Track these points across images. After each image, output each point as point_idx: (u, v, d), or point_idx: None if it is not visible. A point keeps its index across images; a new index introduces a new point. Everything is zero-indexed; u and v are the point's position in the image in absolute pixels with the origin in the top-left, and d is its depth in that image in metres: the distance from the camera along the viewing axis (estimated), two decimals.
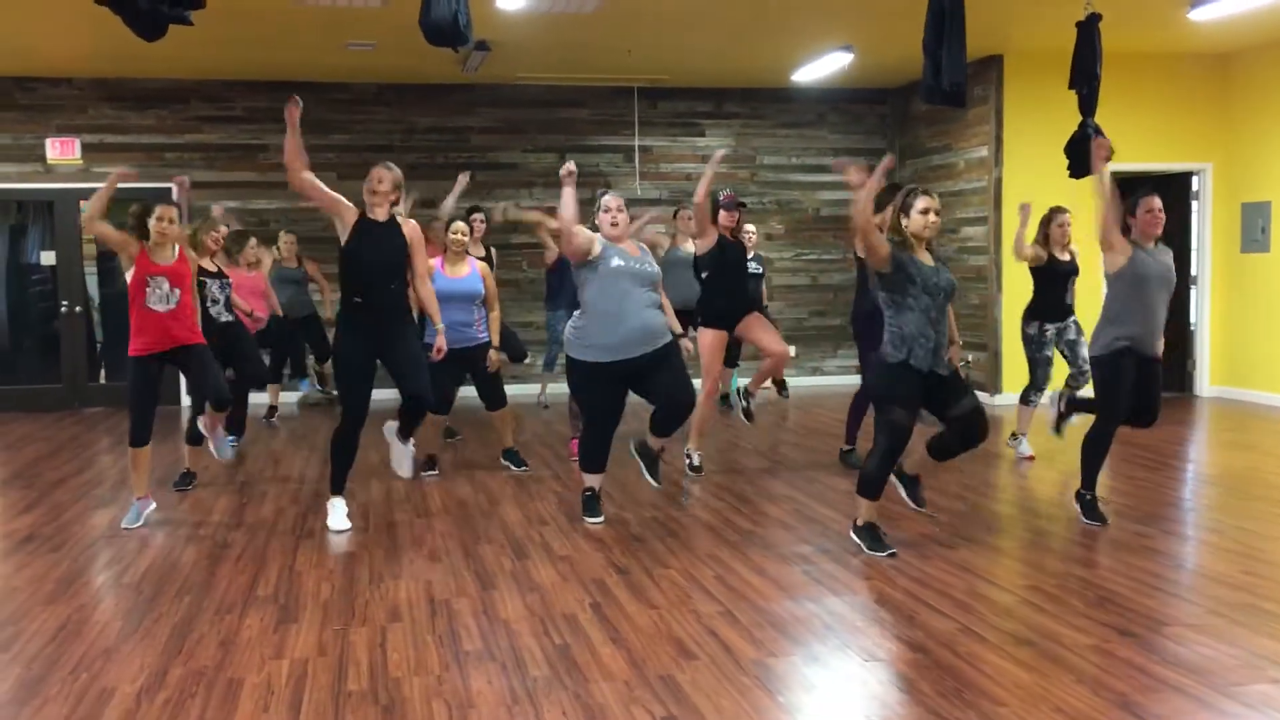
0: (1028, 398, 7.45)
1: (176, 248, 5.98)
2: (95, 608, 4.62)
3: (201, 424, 6.47)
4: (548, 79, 10.94)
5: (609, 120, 11.51)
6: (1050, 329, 7.28)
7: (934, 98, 6.61)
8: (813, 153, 11.95)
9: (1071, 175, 8.39)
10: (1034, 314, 7.34)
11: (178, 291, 5.87)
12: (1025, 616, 4.31)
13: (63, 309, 10.71)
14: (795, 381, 11.14)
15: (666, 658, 3.89)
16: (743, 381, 8.89)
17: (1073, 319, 7.30)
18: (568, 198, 5.53)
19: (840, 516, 5.89)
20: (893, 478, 5.36)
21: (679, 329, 5.96)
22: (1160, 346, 5.69)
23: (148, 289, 5.79)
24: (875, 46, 9.46)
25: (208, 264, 7.15)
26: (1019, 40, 9.51)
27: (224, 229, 7.51)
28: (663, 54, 9.87)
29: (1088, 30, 7.83)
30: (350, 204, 5.66)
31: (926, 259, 5.11)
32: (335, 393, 9.89)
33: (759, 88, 11.65)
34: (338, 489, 5.91)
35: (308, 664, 3.88)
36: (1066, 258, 7.30)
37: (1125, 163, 9.37)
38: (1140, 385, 5.68)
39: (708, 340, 6.89)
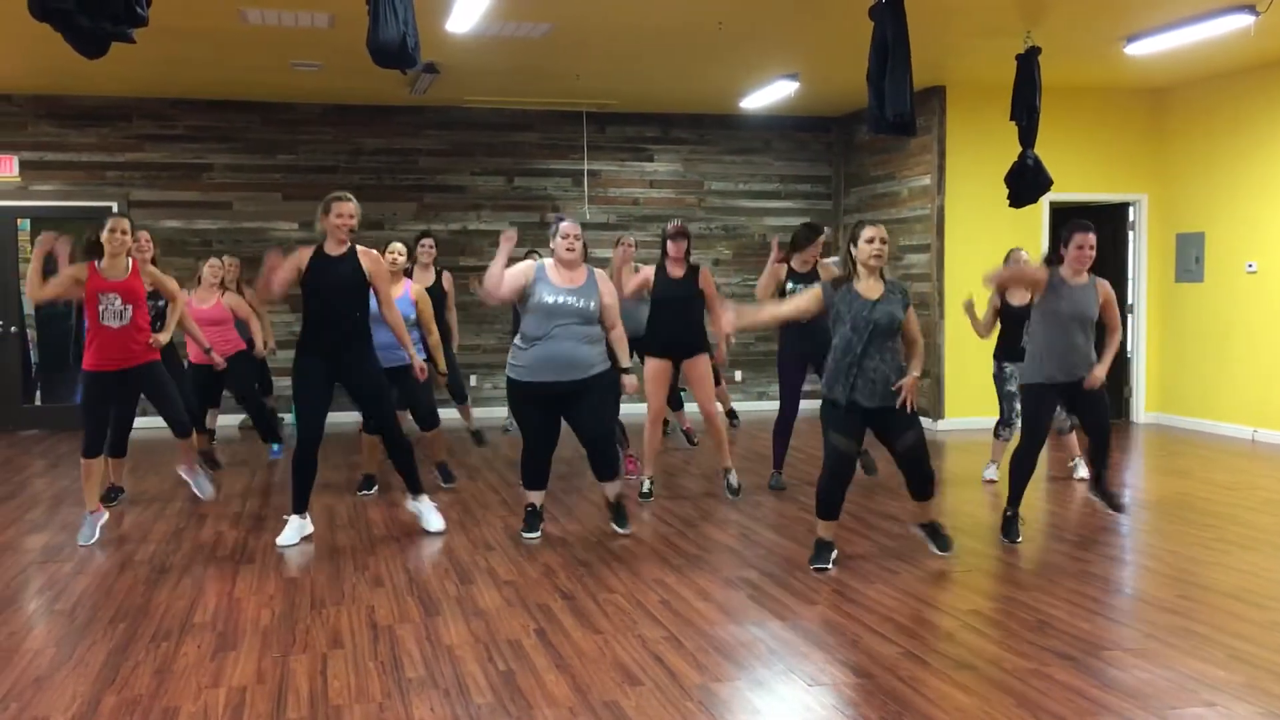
0: (997, 432, 7.59)
1: (130, 262, 5.95)
2: (27, 635, 4.50)
3: (180, 470, 6.43)
4: (496, 102, 10.94)
5: (557, 144, 11.53)
6: (1010, 368, 7.35)
7: (881, 128, 6.72)
8: (759, 179, 12.06)
9: (1011, 204, 8.57)
10: (999, 354, 7.53)
11: (130, 308, 5.87)
12: (967, 640, 4.35)
13: None
14: (741, 406, 11.18)
15: (611, 683, 3.88)
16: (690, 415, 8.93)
17: None
18: (502, 255, 5.66)
19: (785, 541, 5.92)
20: (921, 534, 5.59)
21: (626, 362, 6.05)
22: (1086, 371, 5.75)
23: (100, 306, 5.81)
24: (821, 75, 9.58)
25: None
26: (960, 72, 9.68)
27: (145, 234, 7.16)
28: (611, 79, 9.92)
29: (1027, 63, 8.02)
30: (295, 256, 5.81)
31: (871, 291, 5.20)
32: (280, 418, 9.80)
33: (706, 114, 11.74)
34: (299, 508, 5.98)
35: (246, 692, 3.82)
36: (1021, 300, 7.21)
37: (1064, 193, 9.60)
38: (1082, 407, 5.87)
39: (650, 372, 6.96)
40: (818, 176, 12.22)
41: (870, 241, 5.18)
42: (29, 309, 10.78)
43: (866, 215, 11.45)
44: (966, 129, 10.20)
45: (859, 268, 5.23)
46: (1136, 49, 8.41)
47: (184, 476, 6.55)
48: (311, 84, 9.94)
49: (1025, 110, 8.08)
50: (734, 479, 7.15)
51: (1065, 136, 9.94)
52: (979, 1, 7.32)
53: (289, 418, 9.86)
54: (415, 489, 6.25)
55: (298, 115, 10.93)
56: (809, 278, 6.88)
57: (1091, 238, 5.74)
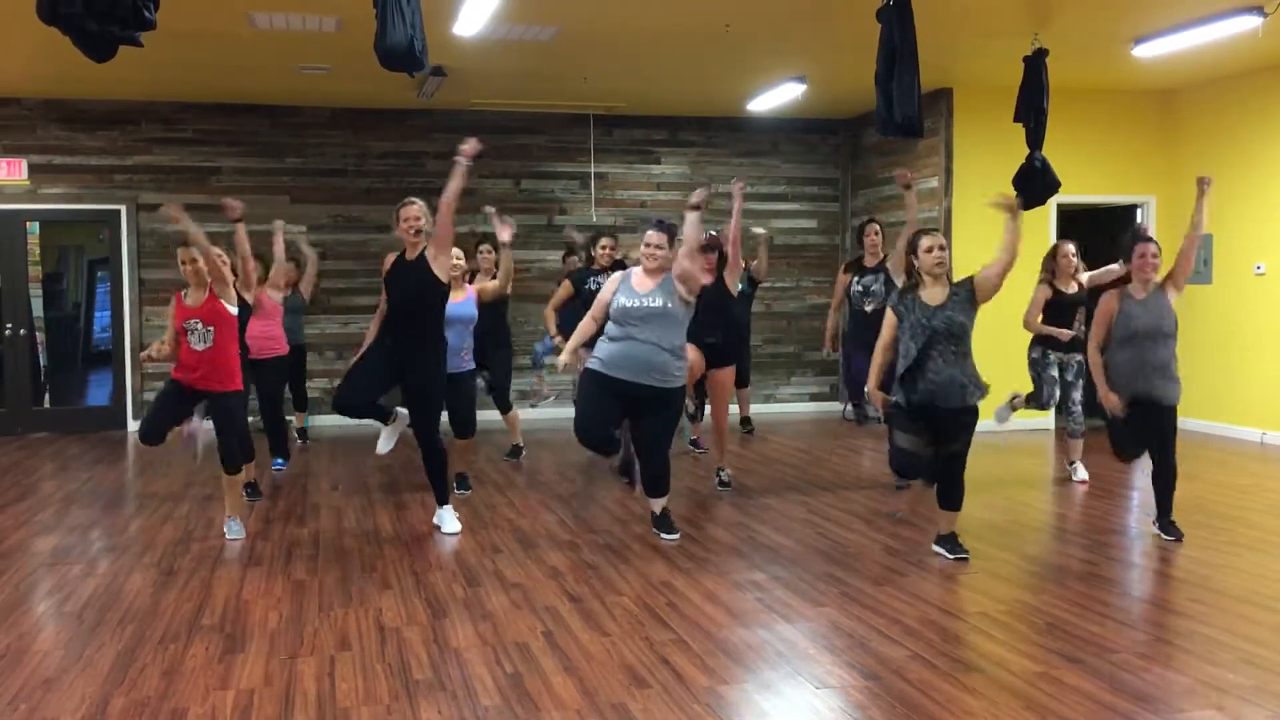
0: (1017, 403, 7.77)
1: (207, 287, 6.02)
2: (35, 637, 4.52)
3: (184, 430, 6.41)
4: (504, 105, 10.95)
5: (565, 147, 11.53)
6: (1053, 355, 7.43)
7: (888, 129, 6.72)
8: (767, 182, 12.04)
9: (1020, 206, 8.53)
10: (1038, 339, 7.50)
11: (211, 329, 5.95)
12: (975, 644, 4.34)
13: (6, 331, 10.52)
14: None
15: (619, 686, 3.88)
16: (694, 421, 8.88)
17: (1078, 358, 7.35)
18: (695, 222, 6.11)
19: (792, 543, 5.92)
20: (944, 553, 5.62)
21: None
22: (1172, 391, 5.88)
23: (187, 333, 5.97)
24: (828, 78, 9.58)
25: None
26: (968, 74, 9.66)
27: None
28: (618, 82, 9.92)
29: (1035, 65, 8.01)
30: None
31: (934, 297, 5.40)
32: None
33: (714, 116, 11.73)
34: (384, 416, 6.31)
35: (253, 694, 3.82)
36: (1073, 289, 7.41)
37: (1072, 195, 9.57)
38: (1149, 436, 5.90)
39: (691, 357, 6.91)
40: (825, 179, 12.20)
41: (930, 251, 5.40)
42: (38, 311, 10.83)
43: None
44: (974, 131, 10.18)
45: (924, 276, 5.43)
46: (1144, 51, 8.39)
47: (184, 433, 6.46)
48: (319, 87, 9.95)
49: (1033, 112, 8.07)
50: (725, 475, 7.49)
51: (1073, 138, 9.91)
52: (986, 3, 7.31)
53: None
54: (441, 499, 6.32)
55: (306, 119, 10.95)
56: (876, 271, 7.77)
57: (1154, 247, 5.93)
